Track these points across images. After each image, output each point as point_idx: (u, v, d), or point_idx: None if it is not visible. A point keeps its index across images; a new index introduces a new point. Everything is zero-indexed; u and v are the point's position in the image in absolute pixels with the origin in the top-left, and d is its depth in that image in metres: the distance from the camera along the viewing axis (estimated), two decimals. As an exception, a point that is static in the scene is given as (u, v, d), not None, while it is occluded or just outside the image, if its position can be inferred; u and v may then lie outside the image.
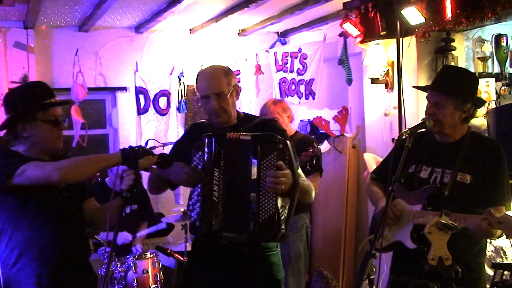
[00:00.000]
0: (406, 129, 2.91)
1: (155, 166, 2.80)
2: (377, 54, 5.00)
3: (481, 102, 3.12)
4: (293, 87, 6.06)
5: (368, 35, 4.87)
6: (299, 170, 2.99)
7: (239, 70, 6.46)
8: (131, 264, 4.51)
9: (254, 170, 2.71)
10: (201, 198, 2.77)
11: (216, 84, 2.94)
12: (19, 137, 2.82)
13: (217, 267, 2.93)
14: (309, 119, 6.13)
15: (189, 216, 2.86)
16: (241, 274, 2.90)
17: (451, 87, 2.94)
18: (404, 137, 2.85)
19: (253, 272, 2.91)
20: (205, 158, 2.78)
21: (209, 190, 2.76)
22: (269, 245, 2.98)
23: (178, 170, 2.86)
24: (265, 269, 2.96)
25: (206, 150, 2.78)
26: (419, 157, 3.06)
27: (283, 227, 2.74)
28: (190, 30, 6.57)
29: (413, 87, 3.99)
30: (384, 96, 5.08)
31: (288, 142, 2.79)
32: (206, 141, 2.79)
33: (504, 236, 3.09)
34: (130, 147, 2.73)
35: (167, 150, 5.86)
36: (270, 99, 5.10)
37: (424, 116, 3.03)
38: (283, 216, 2.73)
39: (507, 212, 2.89)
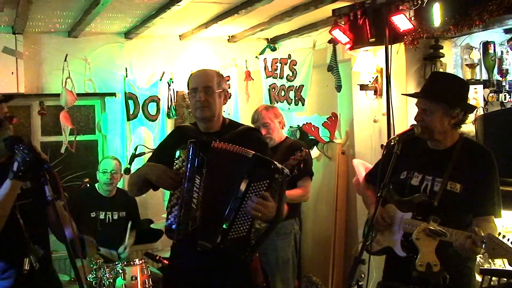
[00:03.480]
0: (395, 136, 2.92)
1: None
2: (366, 61, 5.02)
3: (470, 108, 3.11)
4: (283, 93, 6.08)
5: (357, 42, 4.88)
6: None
7: (229, 76, 6.47)
8: (120, 270, 4.48)
9: (242, 187, 2.68)
10: (180, 204, 2.75)
11: (206, 79, 3.02)
12: None
13: (196, 271, 2.93)
14: (298, 125, 6.15)
15: (167, 218, 2.84)
16: (220, 279, 2.90)
17: (437, 93, 2.96)
18: (392, 143, 2.87)
19: (231, 277, 2.92)
20: (189, 164, 2.76)
21: (189, 197, 2.73)
22: None
23: (161, 173, 2.85)
24: (243, 273, 2.97)
25: (190, 156, 2.75)
26: (411, 164, 3.07)
27: (248, 250, 2.74)
28: (180, 36, 6.57)
29: (402, 94, 4.01)
30: (373, 103, 5.10)
31: (285, 172, 2.74)
32: (191, 147, 2.76)
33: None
34: (16, 164, 2.54)
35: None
36: (262, 105, 5.11)
37: (412, 122, 3.04)
38: (252, 241, 2.73)
39: (496, 220, 2.92)
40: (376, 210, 2.69)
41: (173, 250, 3.15)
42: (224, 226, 2.69)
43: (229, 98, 6.34)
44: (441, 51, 4.63)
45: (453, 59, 4.97)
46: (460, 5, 3.95)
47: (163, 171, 2.84)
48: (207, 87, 2.98)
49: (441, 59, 4.63)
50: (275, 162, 2.74)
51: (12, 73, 5.68)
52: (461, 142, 3.00)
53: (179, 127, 3.35)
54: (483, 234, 2.56)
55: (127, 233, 5.21)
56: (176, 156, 2.85)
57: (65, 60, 5.90)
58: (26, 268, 2.70)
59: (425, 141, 3.07)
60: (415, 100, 3.13)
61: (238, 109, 6.48)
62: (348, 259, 5.67)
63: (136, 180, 3.09)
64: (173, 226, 2.79)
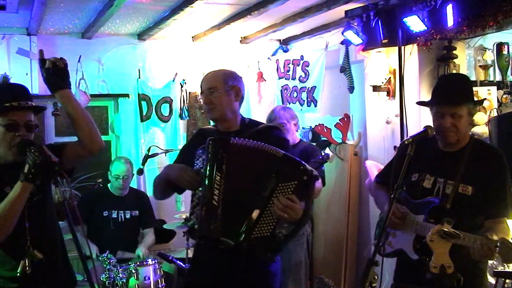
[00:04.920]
0: (408, 137, 2.91)
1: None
2: (379, 62, 5.01)
3: (480, 101, 3.21)
4: (295, 94, 6.08)
5: (370, 43, 4.88)
6: None
7: (241, 77, 6.48)
8: (133, 270, 4.51)
9: (268, 186, 2.66)
10: (201, 201, 2.73)
11: (210, 80, 3.03)
12: None
13: (217, 273, 2.93)
14: (310, 127, 6.14)
15: (189, 218, 2.83)
16: (240, 282, 2.90)
17: (460, 95, 2.94)
18: (406, 144, 2.85)
19: (250, 280, 2.92)
20: (208, 162, 2.73)
21: (209, 194, 2.69)
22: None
23: (181, 171, 2.85)
24: (262, 277, 2.96)
25: (208, 153, 2.74)
26: (422, 165, 3.05)
27: (271, 251, 2.73)
28: (192, 37, 6.59)
29: (417, 103, 3.73)
30: (386, 104, 5.09)
31: (313, 174, 2.70)
32: (209, 144, 2.75)
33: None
34: (26, 166, 2.56)
35: (170, 156, 5.89)
36: (279, 106, 5.15)
37: (425, 123, 3.03)
38: (276, 242, 2.70)
39: (508, 220, 2.90)
40: (389, 213, 2.68)
41: (196, 251, 3.16)
42: (248, 225, 2.66)
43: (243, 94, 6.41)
44: (454, 52, 4.61)
45: (466, 60, 4.94)
46: (474, 6, 3.93)
47: (183, 169, 2.85)
48: (210, 89, 2.99)
49: (454, 60, 4.61)
50: (304, 163, 2.71)
51: (27, 74, 5.74)
52: (471, 144, 2.99)
53: (200, 129, 3.38)
54: (496, 239, 2.54)
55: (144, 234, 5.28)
56: (197, 157, 2.85)
57: (79, 61, 5.93)
58: (19, 271, 2.69)
59: (435, 142, 3.05)
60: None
61: (250, 110, 6.49)
62: (361, 260, 5.66)
63: (158, 181, 3.11)
64: (196, 226, 2.78)
